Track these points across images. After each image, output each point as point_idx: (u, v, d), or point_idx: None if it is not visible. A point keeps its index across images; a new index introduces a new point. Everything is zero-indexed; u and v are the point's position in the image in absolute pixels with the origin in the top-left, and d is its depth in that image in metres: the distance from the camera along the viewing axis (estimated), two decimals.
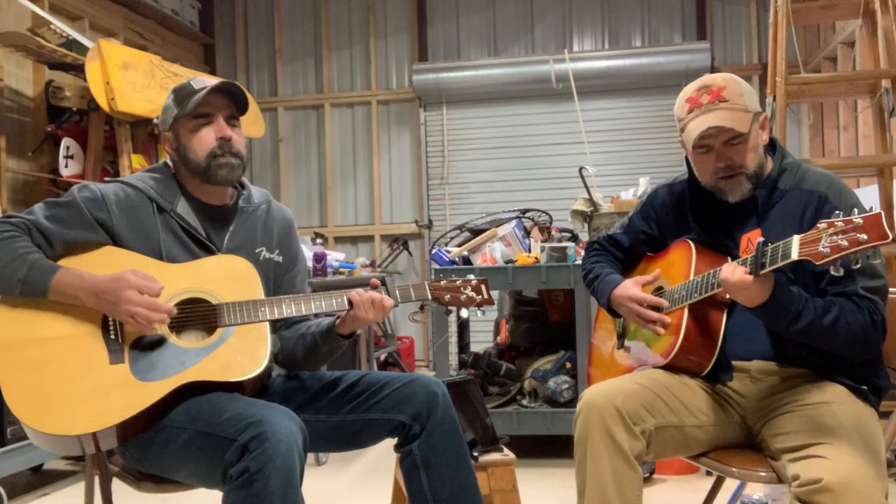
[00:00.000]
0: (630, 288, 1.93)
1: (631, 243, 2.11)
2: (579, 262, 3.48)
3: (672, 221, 2.00)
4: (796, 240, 1.48)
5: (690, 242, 1.90)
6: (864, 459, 1.51)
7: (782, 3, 3.48)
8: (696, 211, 1.93)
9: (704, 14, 6.30)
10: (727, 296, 1.76)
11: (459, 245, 3.90)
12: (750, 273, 1.58)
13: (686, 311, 1.81)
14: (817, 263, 1.43)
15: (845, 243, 1.39)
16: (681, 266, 1.89)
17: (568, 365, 3.55)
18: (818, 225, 1.44)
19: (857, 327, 1.65)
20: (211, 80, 1.86)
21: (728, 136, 1.76)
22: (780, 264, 1.52)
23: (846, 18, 4.22)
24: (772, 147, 1.88)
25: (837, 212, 1.44)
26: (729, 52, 6.34)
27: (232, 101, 1.86)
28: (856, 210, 1.42)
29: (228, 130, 1.84)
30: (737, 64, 6.23)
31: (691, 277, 1.82)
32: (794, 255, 1.47)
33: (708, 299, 1.78)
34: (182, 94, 1.84)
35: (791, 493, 1.52)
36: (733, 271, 1.61)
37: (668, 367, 1.84)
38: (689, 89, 1.83)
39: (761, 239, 1.58)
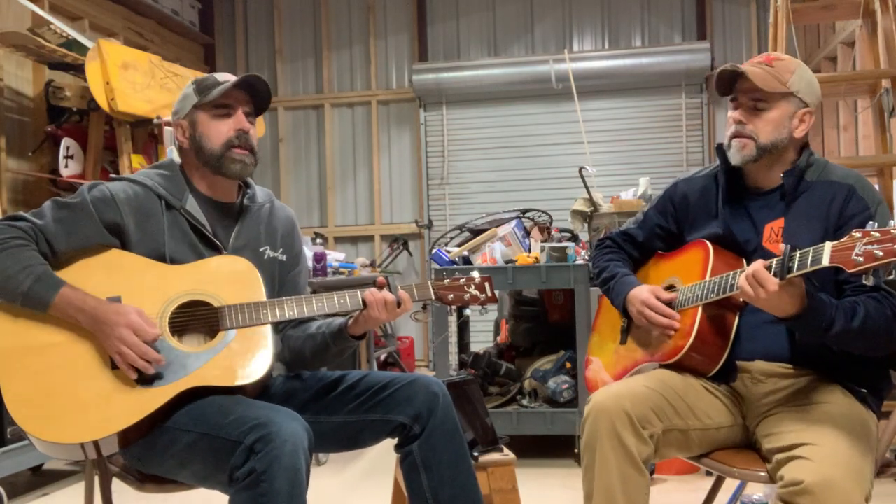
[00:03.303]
0: (645, 293, 1.91)
1: (646, 237, 2.08)
2: (579, 262, 3.48)
3: (693, 214, 1.98)
4: (828, 246, 1.46)
5: (707, 243, 1.88)
6: (847, 460, 1.51)
7: (782, 3, 3.48)
8: (724, 195, 1.91)
9: (704, 14, 6.30)
10: (741, 299, 1.76)
11: (459, 245, 3.90)
12: (775, 276, 1.54)
13: (700, 312, 1.80)
14: (849, 271, 1.41)
15: (880, 253, 1.37)
16: (696, 265, 1.88)
17: (568, 365, 3.55)
18: (852, 233, 1.42)
19: (881, 325, 1.63)
20: (234, 76, 1.87)
21: (755, 96, 1.79)
22: (809, 269, 1.49)
23: (846, 18, 4.22)
24: (803, 144, 1.88)
25: (872, 222, 1.43)
26: (729, 52, 6.34)
27: (251, 99, 1.88)
28: (882, 208, 1.40)
29: (247, 124, 1.85)
30: (737, 64, 6.23)
31: (707, 278, 1.81)
32: (826, 262, 1.45)
33: (723, 302, 1.78)
34: (205, 84, 1.85)
35: (776, 493, 1.52)
36: (757, 278, 1.56)
37: (675, 366, 1.83)
38: None
39: (788, 244, 1.55)
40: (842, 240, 1.44)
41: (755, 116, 1.80)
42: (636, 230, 2.10)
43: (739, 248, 1.86)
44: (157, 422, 1.66)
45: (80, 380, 1.63)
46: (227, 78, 1.85)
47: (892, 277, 1.41)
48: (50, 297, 1.63)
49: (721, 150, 1.90)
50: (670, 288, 1.96)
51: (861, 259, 1.39)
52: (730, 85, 1.85)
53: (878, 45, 3.47)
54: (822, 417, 1.63)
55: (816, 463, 1.49)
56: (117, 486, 1.79)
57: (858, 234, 1.41)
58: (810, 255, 1.49)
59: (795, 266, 1.51)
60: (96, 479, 1.79)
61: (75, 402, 1.61)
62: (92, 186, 1.78)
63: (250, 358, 1.71)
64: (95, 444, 1.62)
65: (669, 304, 1.90)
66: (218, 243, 1.84)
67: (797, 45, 3.73)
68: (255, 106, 1.89)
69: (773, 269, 1.55)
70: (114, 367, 1.65)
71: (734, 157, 1.83)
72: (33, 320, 1.66)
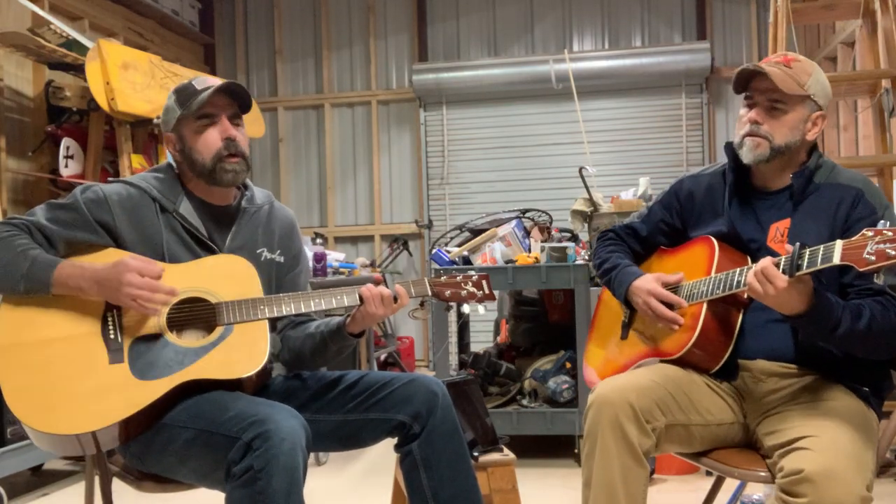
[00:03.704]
0: (650, 282, 1.90)
1: (649, 232, 2.07)
2: (579, 262, 3.48)
3: (698, 211, 1.97)
4: (839, 244, 1.46)
5: (713, 239, 1.88)
6: (848, 451, 1.51)
7: (782, 3, 3.48)
8: (731, 194, 1.91)
9: (704, 14, 6.30)
10: (746, 295, 1.75)
11: (459, 245, 3.90)
12: (784, 273, 1.54)
13: (704, 308, 1.80)
14: (861, 270, 1.41)
15: (893, 252, 1.37)
16: (701, 262, 1.88)
17: (568, 365, 3.55)
18: (864, 232, 1.42)
19: (887, 329, 1.63)
20: (213, 80, 1.86)
21: (773, 97, 1.77)
22: (818, 267, 1.49)
23: (846, 18, 4.22)
24: (812, 146, 1.88)
25: (884, 221, 1.43)
26: (729, 52, 6.34)
27: (235, 101, 1.87)
28: (890, 213, 1.41)
29: (233, 130, 1.84)
30: (737, 64, 6.21)
31: (713, 274, 1.81)
32: (837, 260, 1.44)
33: (728, 299, 1.78)
34: (185, 94, 1.84)
35: (776, 484, 1.52)
36: (766, 274, 1.56)
37: (677, 361, 1.83)
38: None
39: (797, 243, 1.54)
40: (853, 238, 1.44)
41: (771, 117, 1.79)
42: (640, 224, 2.09)
43: (744, 247, 1.86)
44: (156, 417, 1.66)
45: (78, 373, 1.64)
46: (205, 84, 1.84)
47: None
48: (49, 274, 1.65)
49: (730, 148, 1.89)
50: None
51: (873, 258, 1.39)
52: (746, 83, 1.83)
53: (878, 45, 3.47)
54: (822, 411, 1.63)
55: (817, 452, 1.49)
56: (117, 485, 1.79)
57: (870, 233, 1.41)
58: (820, 252, 1.49)
59: (805, 264, 1.51)
60: (96, 479, 1.79)
61: (73, 394, 1.62)
62: (85, 189, 1.79)
63: (247, 352, 1.71)
64: (94, 437, 1.62)
65: (674, 291, 1.90)
66: (213, 246, 1.85)
67: (797, 45, 3.73)
68: (239, 107, 1.88)
69: (781, 266, 1.55)
70: (112, 361, 1.65)
71: (746, 156, 1.82)
72: (33, 316, 1.67)
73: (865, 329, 1.61)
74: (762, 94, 1.80)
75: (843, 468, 1.46)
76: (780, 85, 1.75)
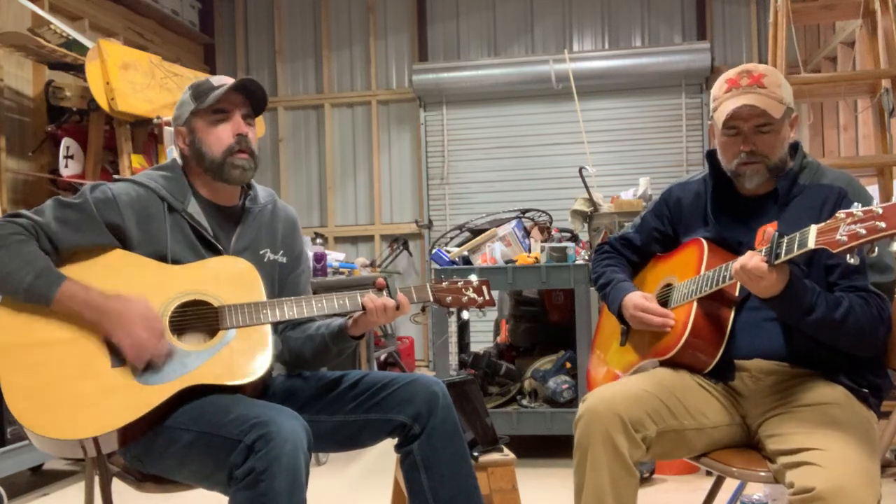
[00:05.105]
0: (638, 297, 1.93)
1: (644, 242, 2.11)
2: (579, 262, 3.49)
3: (686, 218, 2.00)
4: (813, 229, 1.48)
5: (703, 240, 1.90)
6: (857, 466, 1.51)
7: (782, 3, 3.48)
8: (715, 203, 1.93)
9: (704, 14, 6.30)
10: (736, 292, 1.77)
11: (459, 245, 3.90)
12: (765, 261, 1.57)
13: (694, 306, 1.81)
14: (834, 251, 1.43)
15: (863, 231, 1.39)
16: (692, 262, 1.90)
17: (568, 365, 3.55)
18: (837, 215, 1.44)
19: (865, 322, 1.66)
20: (230, 80, 1.87)
21: (759, 122, 1.78)
22: (795, 254, 1.52)
23: (846, 18, 4.22)
24: (793, 146, 1.89)
25: (856, 203, 1.45)
26: (729, 52, 6.34)
27: (249, 101, 1.88)
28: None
29: (245, 127, 1.85)
30: (737, 64, 6.21)
31: (702, 273, 1.82)
32: (811, 244, 1.47)
33: (717, 296, 1.79)
34: (201, 89, 1.85)
35: (787, 500, 1.53)
36: (749, 258, 1.61)
37: (671, 362, 1.84)
38: (731, 72, 1.86)
39: (776, 231, 1.58)
40: (827, 221, 1.47)
41: (762, 140, 1.80)
42: (634, 234, 2.13)
43: (733, 251, 1.88)
44: (156, 421, 1.66)
45: (80, 376, 1.63)
46: (222, 81, 1.85)
47: (874, 256, 1.44)
48: (52, 292, 1.63)
49: (712, 157, 1.92)
50: (667, 287, 1.97)
51: (845, 239, 1.41)
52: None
53: (878, 45, 3.48)
54: (827, 420, 1.63)
55: (826, 469, 1.49)
56: (117, 485, 1.79)
57: (842, 215, 1.44)
58: (797, 238, 1.52)
59: (783, 251, 1.55)
60: (96, 479, 1.79)
61: (75, 398, 1.61)
62: (94, 187, 1.78)
63: (250, 357, 1.71)
64: (95, 441, 1.62)
65: (667, 292, 1.92)
66: (219, 247, 1.85)
67: (797, 45, 3.73)
68: (252, 108, 1.89)
69: (762, 254, 1.59)
70: (114, 364, 1.65)
71: (750, 182, 1.84)
72: (35, 317, 1.66)
73: (841, 319, 1.64)
74: (745, 121, 1.80)
75: (855, 485, 1.46)
76: (771, 112, 1.77)
